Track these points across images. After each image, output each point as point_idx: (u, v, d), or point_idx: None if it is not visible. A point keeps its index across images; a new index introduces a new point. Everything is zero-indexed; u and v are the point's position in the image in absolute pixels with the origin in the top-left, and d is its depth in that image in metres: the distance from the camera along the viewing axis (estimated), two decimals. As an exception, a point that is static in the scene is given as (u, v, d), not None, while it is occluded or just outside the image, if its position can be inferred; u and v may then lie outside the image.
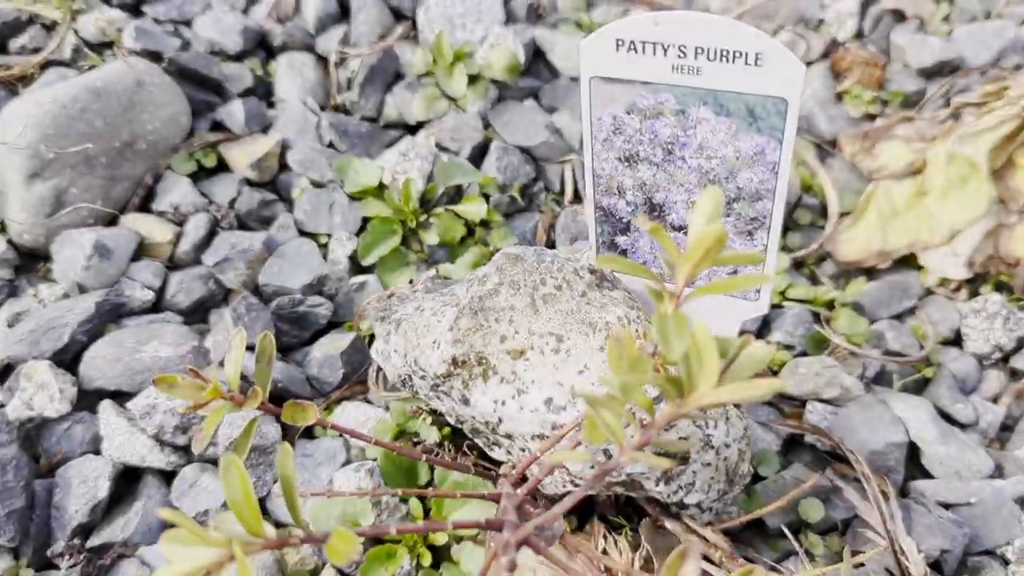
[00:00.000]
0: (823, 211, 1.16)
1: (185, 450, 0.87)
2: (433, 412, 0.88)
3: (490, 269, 0.80)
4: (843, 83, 1.32)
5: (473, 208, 1.04)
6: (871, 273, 1.11)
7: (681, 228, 0.78)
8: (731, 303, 0.82)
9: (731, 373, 0.54)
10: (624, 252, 0.84)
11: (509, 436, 0.75)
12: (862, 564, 0.81)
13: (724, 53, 0.64)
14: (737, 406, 0.79)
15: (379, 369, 0.95)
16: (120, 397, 0.89)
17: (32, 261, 1.01)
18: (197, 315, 0.99)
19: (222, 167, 1.11)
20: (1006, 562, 0.83)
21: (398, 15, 1.23)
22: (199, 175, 1.09)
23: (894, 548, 0.79)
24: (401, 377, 0.85)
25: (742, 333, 0.98)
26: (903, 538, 0.81)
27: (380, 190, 1.06)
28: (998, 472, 0.91)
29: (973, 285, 1.10)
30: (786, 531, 0.83)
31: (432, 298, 0.83)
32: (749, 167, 0.71)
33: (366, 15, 1.18)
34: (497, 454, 0.82)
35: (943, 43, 1.32)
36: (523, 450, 0.77)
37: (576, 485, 0.77)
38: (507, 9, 1.25)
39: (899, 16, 1.41)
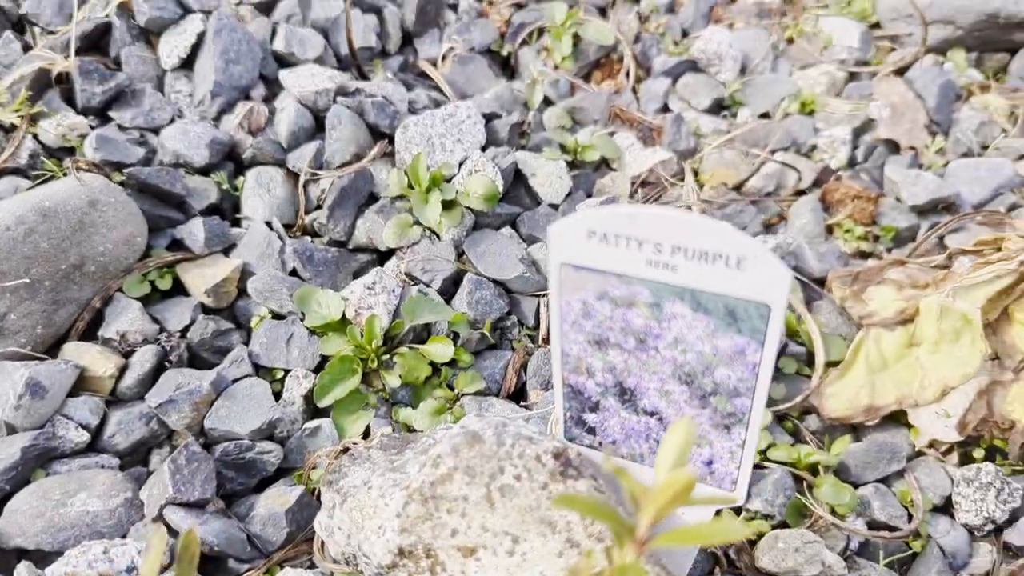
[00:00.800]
0: (809, 359, 1.10)
1: (106, 622, 0.79)
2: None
3: (445, 448, 0.73)
4: (834, 216, 1.27)
5: (440, 349, 0.98)
6: (857, 430, 1.06)
7: (653, 414, 0.72)
8: (706, 492, 0.75)
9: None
10: (592, 430, 0.78)
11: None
12: None
13: (703, 253, 0.59)
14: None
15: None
16: (41, 557, 0.82)
17: (-36, 388, 0.95)
18: (136, 456, 0.93)
19: (178, 289, 1.05)
20: None
21: (375, 133, 1.18)
22: (152, 297, 1.03)
23: None
24: (344, 556, 0.78)
25: (719, 512, 0.92)
26: None
27: (343, 324, 1.00)
28: (989, 671, 0.85)
29: (965, 448, 1.04)
30: None
31: (382, 472, 0.77)
32: (727, 365, 0.65)
33: (341, 132, 1.14)
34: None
35: (937, 180, 1.28)
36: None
37: None
38: (489, 129, 1.21)
39: (893, 146, 1.37)
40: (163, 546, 0.61)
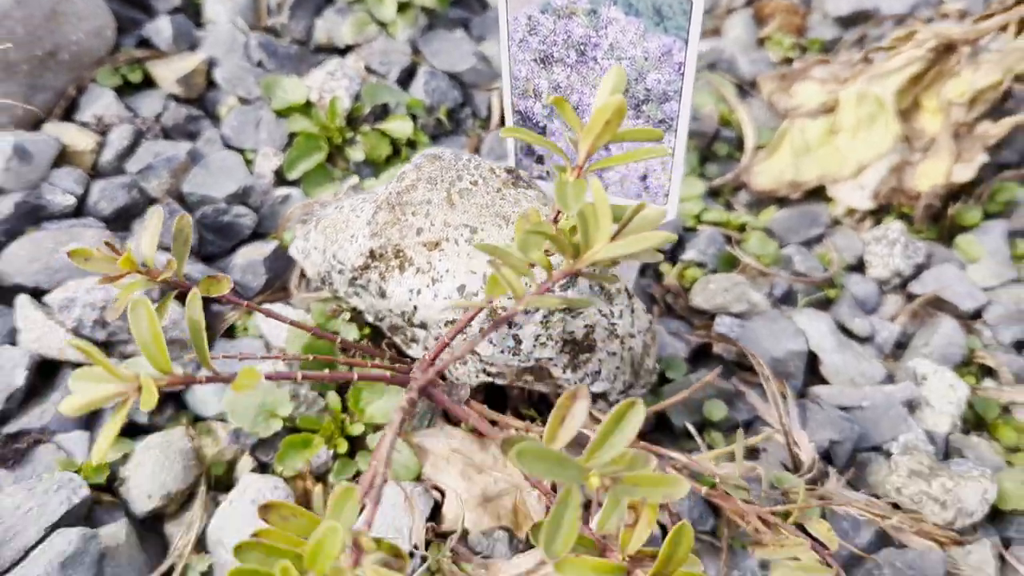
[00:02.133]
0: (740, 144, 1.20)
1: (105, 345, 0.87)
2: (352, 311, 0.90)
3: (409, 167, 0.82)
4: (765, 29, 1.36)
5: (399, 126, 1.06)
6: (783, 203, 1.16)
7: (593, 130, 0.81)
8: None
9: (625, 234, 0.57)
10: (540, 158, 0.87)
11: (424, 325, 0.78)
12: (756, 449, 0.86)
13: (632, -52, 0.67)
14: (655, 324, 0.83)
15: (301, 275, 0.97)
16: (38, 295, 0.89)
17: (-50, 167, 1.00)
18: (119, 223, 1.00)
19: (148, 83, 1.10)
20: (889, 455, 0.88)
21: (330, -61, 1.23)
22: (124, 90, 1.09)
23: (787, 439, 0.84)
24: (320, 275, 0.87)
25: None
26: (796, 431, 0.85)
27: (307, 107, 1.07)
28: (889, 380, 0.97)
29: (877, 216, 1.16)
30: (691, 429, 0.88)
31: (352, 198, 0.85)
32: (656, 68, 0.74)
33: (297, -62, 1.19)
34: (414, 351, 0.84)
35: (859, -7, 1.37)
36: (437, 339, 0.80)
37: (488, 374, 0.80)
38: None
39: (820, -32, 1.46)
40: (160, 223, 0.69)
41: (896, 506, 0.83)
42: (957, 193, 1.15)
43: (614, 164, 0.60)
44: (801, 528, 0.73)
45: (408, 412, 0.56)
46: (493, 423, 0.88)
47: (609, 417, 0.52)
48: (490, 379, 0.81)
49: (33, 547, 0.73)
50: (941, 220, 1.15)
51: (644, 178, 0.83)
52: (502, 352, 0.76)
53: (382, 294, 0.79)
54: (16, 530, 0.74)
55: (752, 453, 0.88)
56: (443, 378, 0.82)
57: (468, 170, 0.80)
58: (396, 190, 0.80)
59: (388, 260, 0.78)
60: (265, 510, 0.51)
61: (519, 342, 0.75)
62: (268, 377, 0.58)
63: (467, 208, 0.78)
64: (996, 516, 0.87)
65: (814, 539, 0.71)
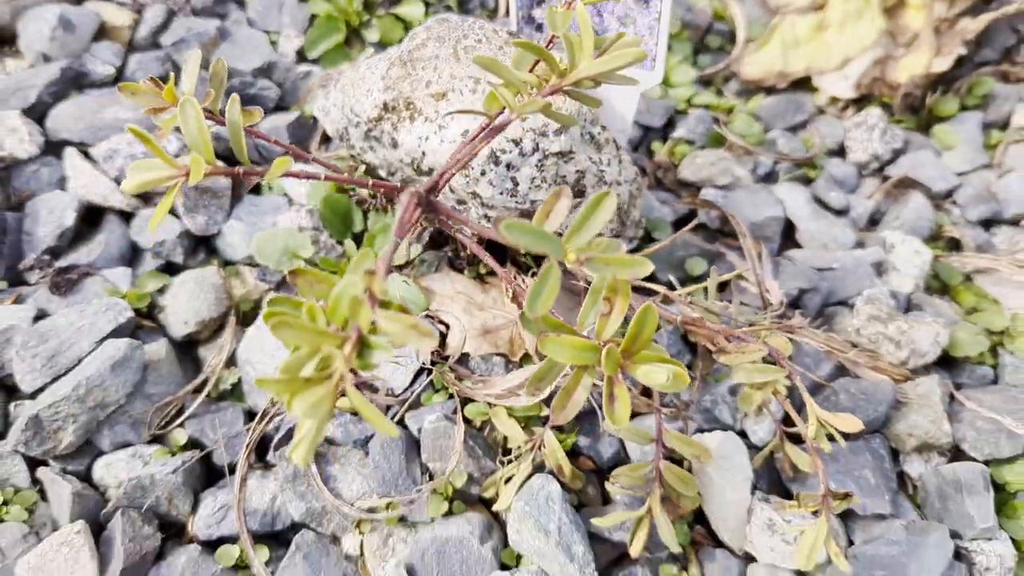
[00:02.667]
0: (732, 38, 1.28)
1: (142, 196, 0.97)
2: (367, 165, 0.99)
3: (419, 28, 0.90)
4: (762, -67, 1.42)
5: (412, 10, 1.14)
6: (770, 91, 1.24)
7: None
8: (631, 72, 0.93)
9: (606, 55, 0.66)
10: (540, 26, 0.95)
11: (431, 170, 0.87)
12: (730, 300, 0.95)
13: None
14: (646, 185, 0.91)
15: (321, 140, 1.06)
16: (83, 147, 0.98)
17: (-1, 43, 1.09)
18: (155, 94, 1.08)
19: (178, -31, 1.18)
20: (851, 307, 0.97)
21: None
22: (156, -25, 1.17)
23: (760, 287, 0.93)
24: (339, 131, 0.96)
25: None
26: (768, 279, 0.94)
27: (326, -8, 1.15)
28: (860, 246, 1.05)
29: (859, 105, 1.23)
30: (674, 282, 0.96)
31: (369, 59, 0.94)
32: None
33: None
34: (423, 202, 0.93)
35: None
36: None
37: (488, 219, 0.89)
38: None
39: None
40: (199, 62, 0.77)
41: (854, 346, 0.92)
42: (935, 85, 1.22)
43: (599, 0, 0.68)
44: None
45: (416, 200, 0.65)
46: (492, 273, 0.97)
47: (585, 207, 0.60)
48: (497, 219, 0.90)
49: (86, 356, 0.83)
50: (920, 111, 1.22)
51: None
52: (501, 194, 0.85)
53: (394, 144, 0.87)
54: (71, 342, 0.84)
55: (728, 302, 0.97)
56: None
57: (473, 30, 0.88)
58: (408, 48, 0.88)
59: (399, 111, 0.87)
60: (293, 275, 0.60)
61: (516, 184, 0.84)
62: (293, 175, 0.67)
63: (471, 63, 0.86)
64: (950, 363, 0.96)
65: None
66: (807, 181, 1.14)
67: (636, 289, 0.90)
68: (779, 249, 1.05)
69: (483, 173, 0.83)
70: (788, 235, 1.06)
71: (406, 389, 0.87)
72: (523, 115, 0.65)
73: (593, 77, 0.65)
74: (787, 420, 0.86)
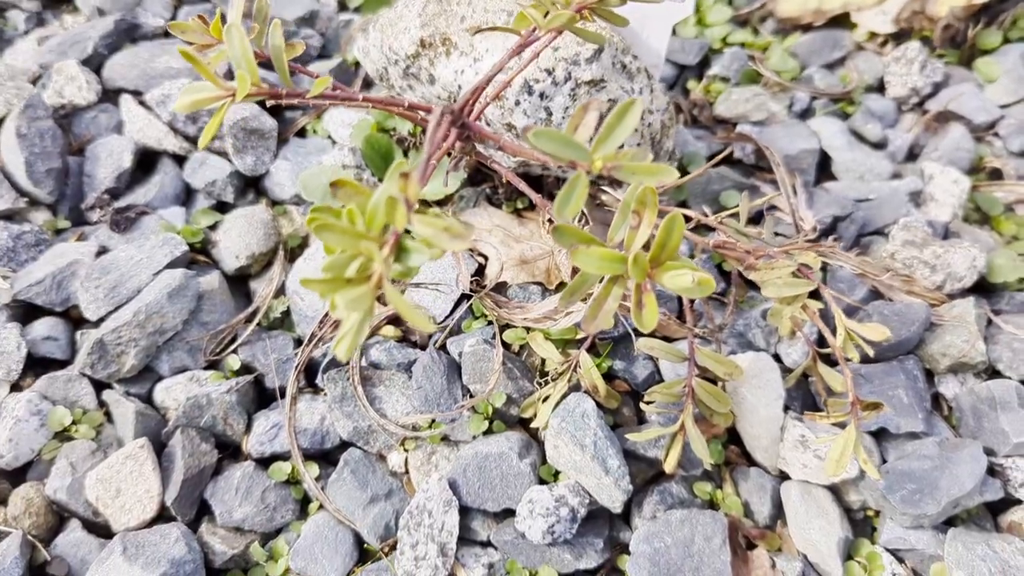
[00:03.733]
0: (769, -23, 1.28)
1: (194, 140, 1.01)
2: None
3: (454, -33, 0.92)
4: None
5: (449, -42, 1.16)
6: (807, 29, 1.24)
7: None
8: (658, 7, 0.94)
9: (630, -28, 0.67)
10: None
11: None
12: (761, 222, 0.96)
13: None
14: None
15: (362, 85, 1.09)
16: (136, 94, 1.03)
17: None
18: (203, 46, 1.12)
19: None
20: (887, 236, 0.97)
21: None
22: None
23: (793, 216, 0.94)
24: (378, 71, 0.99)
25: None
26: (803, 209, 0.95)
27: (367, -57, 1.18)
28: (897, 177, 1.05)
29: (899, 40, 1.22)
30: (707, 211, 0.98)
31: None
32: None
33: None
34: (461, 139, 0.96)
35: None
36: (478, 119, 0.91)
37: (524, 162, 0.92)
38: None
39: None
40: (242, 2, 0.81)
41: (889, 270, 0.93)
42: (977, 17, 1.21)
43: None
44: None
45: (449, 117, 0.67)
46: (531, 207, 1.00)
47: (612, 114, 0.62)
48: (526, 166, 0.92)
49: (145, 287, 0.88)
50: (962, 44, 1.21)
51: (665, -25, 0.91)
52: (535, 123, 0.87)
53: (431, 80, 0.90)
54: (131, 274, 0.89)
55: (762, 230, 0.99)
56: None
57: (503, -33, 0.90)
58: (443, -14, 0.90)
59: (436, 47, 0.89)
60: (334, 187, 0.63)
61: (550, 113, 0.86)
62: (331, 97, 0.70)
63: (505, -3, 0.88)
64: (988, 289, 0.96)
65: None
66: (844, 116, 1.14)
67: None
68: (815, 181, 1.05)
69: (517, 103, 0.85)
70: (824, 168, 1.07)
71: (447, 316, 0.90)
72: (551, 28, 0.67)
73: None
74: (820, 342, 0.87)
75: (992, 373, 0.88)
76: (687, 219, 0.90)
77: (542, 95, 0.85)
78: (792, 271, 0.76)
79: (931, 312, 0.89)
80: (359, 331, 0.57)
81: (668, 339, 0.90)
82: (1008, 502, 0.82)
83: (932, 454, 0.81)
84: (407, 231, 0.58)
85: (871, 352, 0.74)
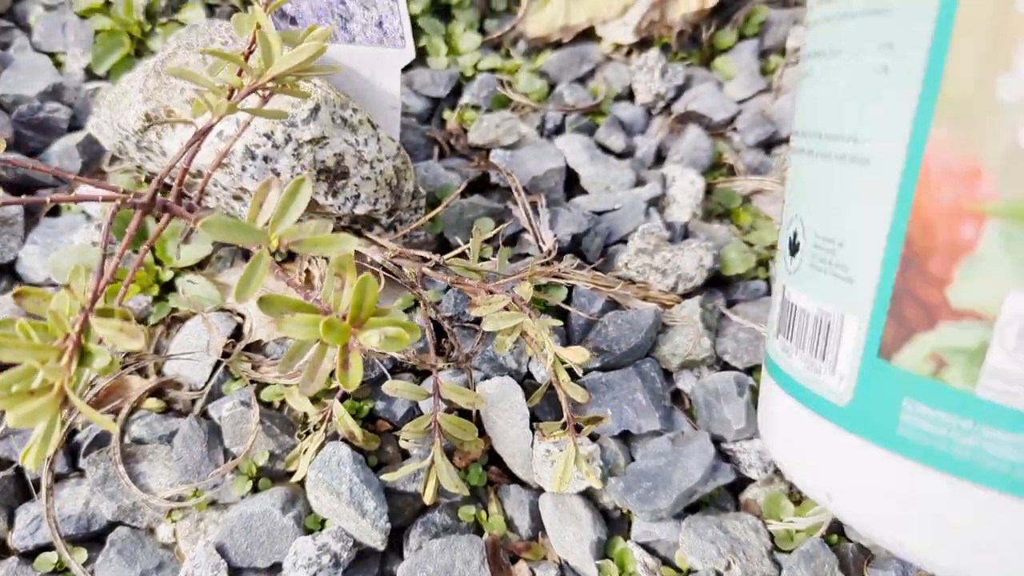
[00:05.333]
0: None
1: (-63, 233, 0.99)
2: (151, 174, 1.02)
3: (171, 38, 0.94)
4: None
5: (193, 14, 1.17)
6: (557, 46, 1.30)
7: (325, -13, 0.93)
8: (383, 55, 0.98)
9: (294, 52, 0.70)
10: (293, 20, 0.99)
11: (199, 172, 0.91)
12: (511, 246, 1.01)
13: None
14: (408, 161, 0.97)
15: (111, 156, 1.09)
16: None
17: None
18: (-55, 131, 1.10)
19: (-41, 2, 1.19)
20: (625, 243, 1.04)
21: None
22: (-63, 11, 1.18)
23: (535, 236, 1.00)
24: (115, 146, 0.99)
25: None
26: (543, 229, 1.01)
27: (106, 6, 1.17)
28: (640, 184, 1.12)
29: (642, 49, 1.29)
30: (460, 242, 1.02)
31: (129, 72, 0.97)
32: (354, -81, 0.86)
33: None
34: (208, 201, 0.97)
35: None
36: (214, 185, 0.93)
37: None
38: None
39: None
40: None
41: (624, 279, 0.99)
42: (711, 19, 1.29)
43: (283, 3, 0.73)
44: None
45: (130, 206, 0.69)
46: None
47: (285, 193, 0.65)
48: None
49: None
50: (701, 46, 1.29)
51: (380, 24, 0.95)
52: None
53: (163, 152, 0.91)
54: None
55: (514, 256, 1.04)
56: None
57: (219, 33, 0.92)
58: (161, 59, 0.92)
59: (161, 120, 0.91)
60: (18, 297, 0.64)
61: (278, 174, 0.88)
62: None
63: (219, 68, 0.90)
64: (725, 283, 1.04)
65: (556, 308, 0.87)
66: (593, 129, 1.20)
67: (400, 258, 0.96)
68: (568, 197, 1.11)
69: (244, 169, 0.88)
70: (574, 183, 1.13)
71: (207, 382, 0.92)
72: (220, 116, 0.69)
73: (287, 73, 0.70)
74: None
75: (723, 365, 0.96)
76: (424, 260, 0.94)
77: (266, 158, 0.87)
78: (504, 305, 0.81)
79: (661, 315, 0.96)
80: (45, 441, 0.59)
81: (424, 372, 0.94)
82: (744, 481, 0.90)
83: (666, 450, 0.87)
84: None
85: (580, 372, 0.80)
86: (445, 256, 0.92)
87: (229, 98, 0.72)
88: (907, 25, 0.49)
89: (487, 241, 1.05)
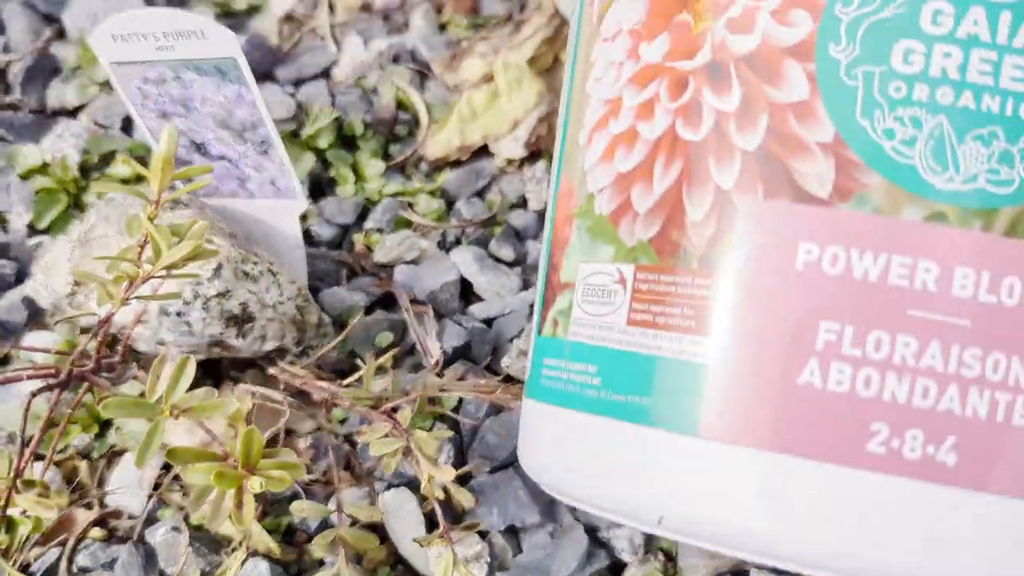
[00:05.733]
0: (418, 123, 1.47)
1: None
2: (86, 329, 1.16)
3: (91, 210, 1.07)
4: (443, 16, 1.62)
5: (122, 170, 1.31)
6: (456, 165, 1.44)
7: (223, 157, 1.07)
8: (281, 206, 1.12)
9: (179, 247, 0.84)
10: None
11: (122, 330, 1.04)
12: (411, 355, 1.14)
13: (184, 33, 0.93)
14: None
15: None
16: None
17: None
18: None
19: (-88, 172, 1.33)
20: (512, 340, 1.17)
21: (49, 19, 1.46)
22: None
23: (423, 350, 1.13)
24: (53, 305, 1.12)
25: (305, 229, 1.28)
26: (430, 342, 1.14)
27: (44, 168, 1.31)
28: (526, 288, 1.26)
29: (533, 161, 1.43)
30: (361, 361, 1.15)
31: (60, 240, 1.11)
32: (238, 107, 1.00)
33: (18, 24, 1.42)
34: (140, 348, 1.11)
35: (518, -30, 1.63)
36: (138, 338, 1.06)
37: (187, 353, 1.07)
38: (146, -1, 1.50)
39: (491, -49, 1.71)
40: None
41: (510, 379, 1.12)
42: (592, 128, 1.43)
43: (180, 194, 0.87)
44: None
45: (59, 386, 0.82)
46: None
47: (175, 368, 0.79)
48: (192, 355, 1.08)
49: None
50: (585, 152, 1.43)
51: (273, 183, 1.09)
52: (181, 335, 1.03)
53: (93, 313, 1.05)
54: None
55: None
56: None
57: (135, 207, 1.06)
58: (83, 229, 1.05)
59: (87, 285, 1.04)
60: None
61: (191, 326, 1.02)
62: None
63: (136, 236, 1.03)
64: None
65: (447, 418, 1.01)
66: (487, 240, 1.33)
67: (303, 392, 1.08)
68: (465, 307, 1.24)
69: (160, 323, 1.01)
70: (470, 293, 1.26)
71: (144, 508, 1.04)
72: (119, 308, 0.83)
73: (174, 264, 0.83)
74: (457, 464, 1.06)
75: (598, 456, 1.08)
76: (324, 388, 1.07)
77: (179, 314, 1.01)
78: (384, 432, 0.94)
79: (543, 416, 1.09)
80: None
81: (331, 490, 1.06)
82: (619, 566, 1.02)
83: (545, 543, 1.00)
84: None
85: (450, 489, 0.93)
86: (344, 382, 1.05)
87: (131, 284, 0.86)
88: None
89: (383, 352, 1.18)
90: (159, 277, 0.84)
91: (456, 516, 1.05)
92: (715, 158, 0.64)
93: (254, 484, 0.80)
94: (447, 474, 0.90)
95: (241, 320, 1.04)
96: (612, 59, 0.72)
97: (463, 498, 0.99)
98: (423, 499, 1.03)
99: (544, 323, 0.81)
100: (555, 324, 0.77)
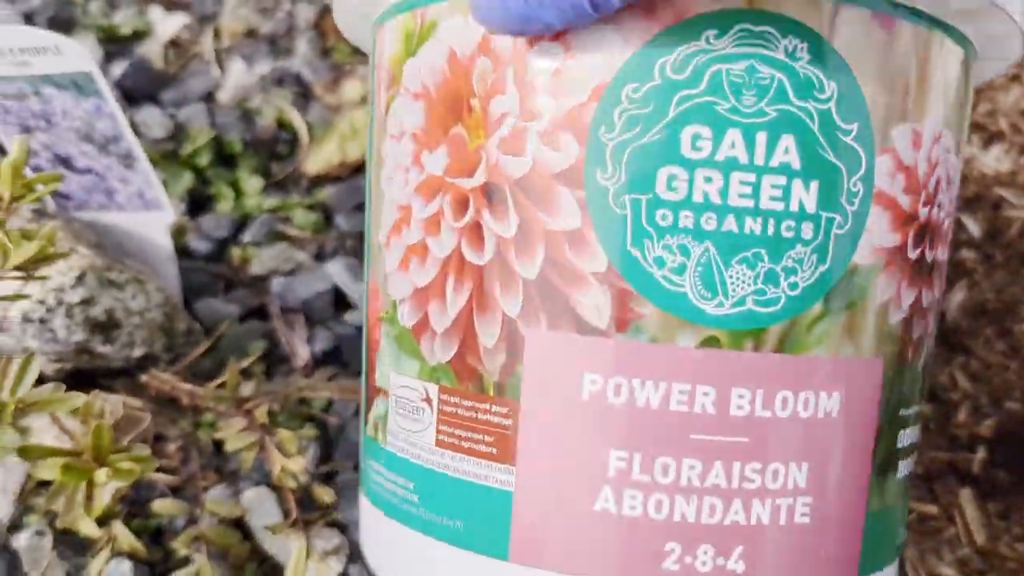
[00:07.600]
0: (300, 142, 1.52)
1: None
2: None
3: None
4: (328, 42, 1.68)
5: (-2, 189, 1.33)
6: (337, 180, 1.49)
7: (90, 171, 1.11)
8: (150, 218, 1.15)
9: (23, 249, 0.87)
10: (67, 195, 1.16)
11: (-12, 338, 1.06)
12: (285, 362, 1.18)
13: (39, 50, 0.97)
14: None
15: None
16: None
17: None
18: None
19: None
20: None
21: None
22: None
23: (290, 352, 1.17)
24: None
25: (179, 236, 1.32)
26: (298, 344, 1.18)
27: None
28: (398, 298, 1.31)
29: (410, 175, 1.49)
30: (229, 367, 1.19)
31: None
32: (98, 120, 1.04)
33: None
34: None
35: (400, -3, 1.70)
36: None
37: (54, 361, 1.10)
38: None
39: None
40: None
41: (376, 384, 1.17)
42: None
43: (37, 197, 0.91)
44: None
45: None
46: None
47: (20, 366, 0.82)
48: (60, 363, 1.10)
49: None
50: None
51: (141, 195, 1.13)
52: (47, 343, 1.05)
53: (-43, 322, 1.07)
54: None
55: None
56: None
57: None
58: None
59: (-48, 297, 1.06)
60: None
61: (55, 333, 1.05)
62: None
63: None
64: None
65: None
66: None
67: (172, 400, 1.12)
68: (335, 315, 1.29)
69: (24, 331, 1.04)
70: (344, 301, 1.31)
71: (9, 515, 1.06)
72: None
73: (23, 265, 0.87)
74: (322, 460, 1.10)
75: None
76: (191, 393, 1.10)
77: (41, 320, 1.03)
78: (242, 428, 0.98)
79: (406, 413, 1.13)
80: None
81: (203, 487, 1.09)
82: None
83: (403, 530, 1.04)
84: None
85: (311, 485, 0.97)
86: (210, 385, 1.09)
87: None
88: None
89: (263, 357, 1.22)
90: (11, 279, 0.88)
91: (321, 513, 1.09)
92: (500, 285, 0.61)
93: (100, 476, 0.84)
94: (298, 464, 0.94)
95: (107, 327, 1.07)
96: (399, 161, 0.68)
97: (323, 493, 1.03)
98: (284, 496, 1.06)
99: (367, 423, 0.78)
100: (376, 428, 0.75)
